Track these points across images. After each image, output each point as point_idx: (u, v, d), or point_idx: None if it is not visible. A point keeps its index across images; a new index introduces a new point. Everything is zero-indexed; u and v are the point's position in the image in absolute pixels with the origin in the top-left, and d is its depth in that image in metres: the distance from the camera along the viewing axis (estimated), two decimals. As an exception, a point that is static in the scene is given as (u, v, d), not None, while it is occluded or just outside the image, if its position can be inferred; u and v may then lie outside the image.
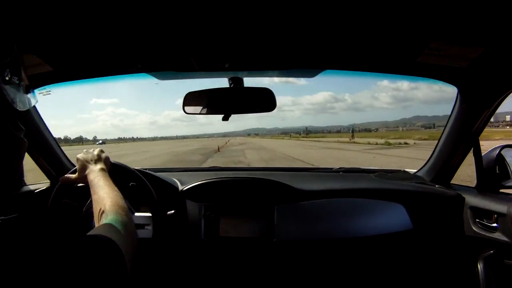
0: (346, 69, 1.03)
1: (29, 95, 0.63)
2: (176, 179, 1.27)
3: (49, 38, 0.81)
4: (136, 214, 1.05)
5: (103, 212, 0.65)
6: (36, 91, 1.10)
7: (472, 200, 1.11)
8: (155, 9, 0.69)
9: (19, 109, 0.56)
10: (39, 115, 1.20)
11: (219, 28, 0.78)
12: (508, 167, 1.15)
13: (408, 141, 29.21)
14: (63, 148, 1.36)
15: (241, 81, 1.06)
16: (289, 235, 1.13)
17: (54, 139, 1.29)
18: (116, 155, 17.61)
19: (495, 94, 0.99)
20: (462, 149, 1.17)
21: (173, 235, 1.13)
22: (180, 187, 1.21)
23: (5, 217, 1.09)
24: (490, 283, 1.04)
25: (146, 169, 1.26)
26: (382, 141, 30.89)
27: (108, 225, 0.58)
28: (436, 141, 1.29)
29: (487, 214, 1.04)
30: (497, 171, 1.11)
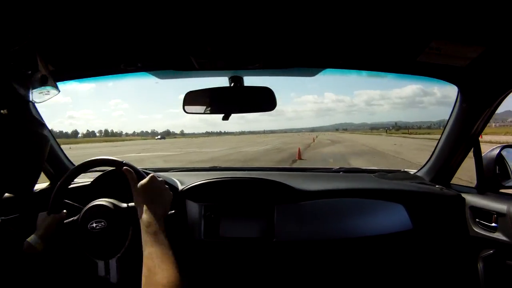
0: (346, 68, 1.03)
1: (47, 86, 0.60)
2: (176, 179, 1.27)
3: (49, 37, 0.81)
4: None
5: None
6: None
7: (472, 200, 1.11)
8: (155, 8, 0.69)
9: (34, 102, 0.53)
10: (38, 113, 1.20)
11: (219, 27, 0.78)
12: (508, 167, 1.15)
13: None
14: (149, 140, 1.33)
15: (241, 80, 1.06)
16: (289, 235, 1.13)
17: (55, 138, 1.29)
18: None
19: (495, 94, 0.99)
20: (462, 149, 1.17)
21: (173, 235, 1.13)
22: (180, 187, 1.21)
23: (5, 217, 1.09)
24: (490, 283, 1.04)
25: (146, 169, 1.26)
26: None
27: None
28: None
29: (487, 214, 1.04)
30: (497, 171, 1.11)
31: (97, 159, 0.98)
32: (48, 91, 0.60)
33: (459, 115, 1.13)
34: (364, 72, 1.04)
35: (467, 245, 1.11)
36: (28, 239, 0.86)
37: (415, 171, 1.42)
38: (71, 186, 1.01)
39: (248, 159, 13.57)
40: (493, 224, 1.01)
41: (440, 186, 1.23)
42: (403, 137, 39.61)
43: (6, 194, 0.64)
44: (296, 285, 1.21)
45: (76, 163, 1.03)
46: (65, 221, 0.94)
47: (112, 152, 20.78)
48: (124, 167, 0.83)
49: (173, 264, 0.64)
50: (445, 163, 1.24)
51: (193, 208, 1.17)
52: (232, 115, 1.08)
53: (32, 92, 0.55)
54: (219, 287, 1.22)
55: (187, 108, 1.07)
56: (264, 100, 1.04)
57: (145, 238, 0.67)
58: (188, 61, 0.96)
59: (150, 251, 0.65)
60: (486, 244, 1.04)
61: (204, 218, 1.16)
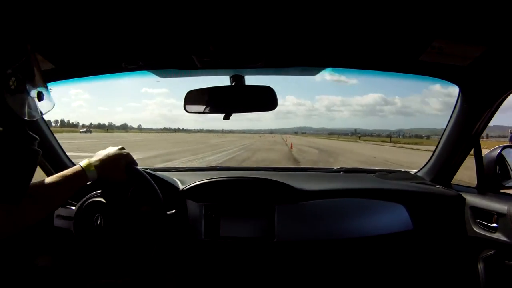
0: (348, 67, 1.03)
1: (42, 101, 0.60)
2: (177, 178, 1.26)
3: (50, 35, 0.81)
4: None
5: None
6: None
7: (473, 200, 1.11)
8: (157, 6, 0.69)
9: (29, 119, 0.54)
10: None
11: (221, 26, 0.78)
12: (509, 167, 1.15)
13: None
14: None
15: (243, 79, 1.06)
16: (289, 235, 1.13)
17: (54, 137, 1.29)
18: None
19: (496, 94, 0.99)
20: (462, 149, 1.17)
21: (173, 235, 1.13)
22: (181, 187, 1.21)
23: None
24: (490, 283, 1.04)
25: (146, 168, 1.25)
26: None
27: None
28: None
29: (488, 214, 1.04)
30: (498, 171, 1.11)
31: None
32: (43, 107, 0.60)
33: (460, 115, 1.13)
34: (365, 72, 1.05)
35: (467, 246, 1.11)
36: (81, 163, 0.88)
37: (416, 171, 1.42)
38: None
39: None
40: (494, 225, 1.01)
41: (441, 186, 1.23)
42: (388, 145, 30.81)
43: None
44: (296, 285, 1.21)
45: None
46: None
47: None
48: None
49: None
50: (445, 163, 1.24)
51: (193, 208, 1.17)
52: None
53: (27, 110, 0.55)
54: (219, 287, 1.21)
55: (188, 107, 1.07)
56: (265, 99, 1.04)
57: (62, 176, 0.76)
58: (190, 59, 0.96)
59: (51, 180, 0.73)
60: (487, 245, 1.04)
61: (204, 218, 1.15)
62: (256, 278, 1.20)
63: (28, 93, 0.56)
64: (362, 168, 1.56)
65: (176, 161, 11.34)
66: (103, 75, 1.10)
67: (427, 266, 1.18)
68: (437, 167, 1.28)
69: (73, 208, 0.96)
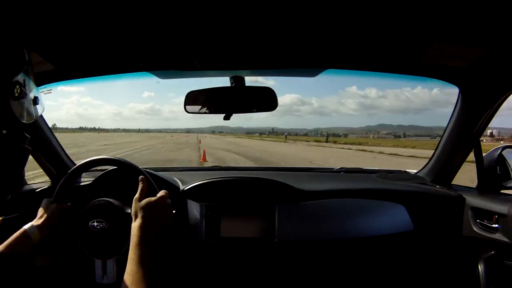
0: (348, 68, 1.03)
1: (36, 105, 0.64)
2: (177, 178, 1.26)
3: (50, 36, 0.81)
4: None
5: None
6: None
7: (473, 200, 1.11)
8: (157, 8, 0.69)
9: (26, 122, 0.57)
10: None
11: (221, 27, 0.78)
12: (509, 168, 1.15)
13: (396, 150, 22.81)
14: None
15: (243, 80, 1.06)
16: (290, 235, 1.13)
17: (55, 137, 1.29)
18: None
19: (496, 94, 0.99)
20: (463, 150, 1.17)
21: (174, 235, 1.13)
22: (181, 187, 1.21)
23: (6, 216, 1.08)
24: (491, 284, 1.04)
25: (147, 168, 1.26)
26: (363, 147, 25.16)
27: None
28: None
29: (488, 215, 1.04)
30: (498, 172, 1.11)
31: (104, 158, 0.99)
32: (37, 110, 0.64)
33: (460, 116, 1.13)
34: (365, 73, 1.05)
35: (468, 246, 1.11)
36: (26, 227, 0.84)
37: (416, 171, 1.42)
38: (73, 186, 1.01)
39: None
40: (494, 225, 1.01)
41: (441, 187, 1.23)
42: (323, 146, 28.05)
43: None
44: (297, 285, 1.21)
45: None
46: (68, 212, 0.95)
47: None
48: (141, 177, 0.81)
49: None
50: (446, 163, 1.24)
51: (194, 208, 1.17)
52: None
53: (25, 113, 0.58)
54: (220, 287, 1.21)
55: (188, 107, 1.07)
56: (265, 100, 1.04)
57: (132, 255, 0.67)
58: (190, 61, 0.96)
59: (133, 269, 0.66)
60: (487, 245, 1.04)
61: (205, 218, 1.16)
62: (257, 278, 1.20)
63: (28, 98, 0.60)
64: (363, 168, 1.56)
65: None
66: (104, 76, 1.10)
67: (427, 267, 1.18)
68: (437, 167, 1.28)
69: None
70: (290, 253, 1.15)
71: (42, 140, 1.23)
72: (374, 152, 20.95)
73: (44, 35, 0.80)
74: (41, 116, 1.21)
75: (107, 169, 1.18)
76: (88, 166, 1.02)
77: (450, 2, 0.64)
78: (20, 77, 0.56)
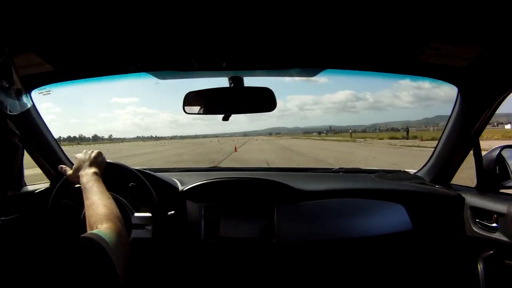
0: (346, 68, 1.03)
1: (20, 98, 0.63)
2: (176, 179, 1.27)
3: (49, 38, 0.81)
4: (136, 214, 1.05)
5: (98, 219, 0.65)
6: (37, 90, 1.10)
7: (472, 200, 1.11)
8: (155, 8, 0.69)
9: (9, 113, 0.57)
10: (39, 114, 1.20)
11: (219, 28, 0.78)
12: (508, 168, 1.15)
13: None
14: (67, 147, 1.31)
15: (241, 80, 1.06)
16: (289, 235, 1.13)
17: (54, 139, 1.29)
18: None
19: (495, 94, 0.99)
20: (462, 149, 1.17)
21: (173, 235, 1.13)
22: (180, 188, 1.21)
23: (6, 217, 1.09)
24: (490, 283, 1.04)
25: (146, 169, 1.26)
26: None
27: (101, 234, 0.57)
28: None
29: (487, 214, 1.04)
30: (497, 172, 1.11)
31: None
32: (22, 103, 0.63)
33: (459, 116, 1.13)
34: (364, 73, 1.05)
35: (467, 245, 1.11)
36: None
37: (415, 171, 1.42)
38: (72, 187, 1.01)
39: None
40: (493, 224, 1.01)
41: (440, 186, 1.23)
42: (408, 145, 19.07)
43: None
44: (296, 285, 1.21)
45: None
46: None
47: None
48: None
49: (109, 199, 0.73)
50: (445, 163, 1.24)
51: (193, 208, 1.17)
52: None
53: (7, 104, 0.58)
54: (219, 287, 1.22)
55: (187, 108, 1.07)
56: (264, 101, 1.04)
57: (86, 192, 0.77)
58: (189, 61, 0.96)
59: (89, 197, 0.74)
60: (486, 244, 1.04)
61: (204, 218, 1.16)
62: (256, 278, 1.20)
63: (7, 90, 0.59)
64: (362, 168, 1.55)
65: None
66: (103, 77, 1.10)
67: (426, 266, 1.18)
68: (436, 167, 1.28)
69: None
70: (289, 253, 1.16)
71: (41, 142, 1.23)
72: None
73: (43, 36, 0.80)
74: (40, 117, 1.21)
75: None
76: None
77: (449, 1, 0.64)
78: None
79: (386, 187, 1.24)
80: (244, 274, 1.20)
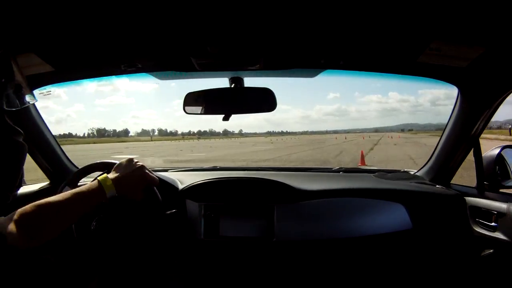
0: (346, 69, 1.03)
1: (20, 94, 0.61)
2: (176, 178, 1.27)
3: (49, 38, 0.81)
4: None
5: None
6: (37, 90, 1.10)
7: (472, 199, 1.11)
8: (156, 9, 0.69)
9: (7, 109, 0.55)
10: (38, 114, 1.20)
11: (220, 28, 0.79)
12: (508, 167, 1.15)
13: None
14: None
15: (242, 81, 1.06)
16: (288, 235, 1.13)
17: (55, 138, 1.29)
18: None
19: (495, 94, 0.99)
20: (462, 149, 1.17)
21: (173, 234, 1.13)
22: (180, 187, 1.21)
23: (6, 217, 1.09)
24: (490, 282, 1.04)
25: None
26: None
27: None
28: None
29: (487, 214, 1.04)
30: (497, 171, 1.11)
31: (104, 162, 0.99)
32: (21, 100, 0.61)
33: (459, 116, 1.13)
34: (364, 73, 1.05)
35: (467, 245, 1.11)
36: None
37: (415, 171, 1.42)
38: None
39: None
40: (493, 224, 1.01)
41: (440, 186, 1.23)
42: None
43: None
44: (295, 285, 1.21)
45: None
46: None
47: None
48: None
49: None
50: (445, 163, 1.24)
51: (193, 207, 1.18)
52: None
53: (5, 101, 0.56)
54: (219, 287, 1.22)
55: (188, 108, 1.07)
56: (264, 101, 1.04)
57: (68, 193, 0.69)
58: (189, 62, 0.96)
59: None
60: (486, 244, 1.04)
61: (204, 217, 1.16)
62: (256, 278, 1.20)
63: (5, 84, 0.57)
64: (362, 168, 1.56)
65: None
66: (103, 77, 1.10)
67: (426, 265, 1.18)
68: (436, 167, 1.28)
69: None
70: (288, 252, 1.16)
71: (41, 141, 1.23)
72: None
73: (43, 36, 0.80)
74: (41, 117, 1.21)
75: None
76: (88, 171, 1.02)
77: (449, 2, 0.65)
78: None
79: (386, 186, 1.25)
80: (243, 273, 1.20)
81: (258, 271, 1.20)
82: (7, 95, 0.57)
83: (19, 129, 0.56)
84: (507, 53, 0.83)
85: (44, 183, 1.32)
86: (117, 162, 0.98)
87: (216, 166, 1.65)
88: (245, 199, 1.18)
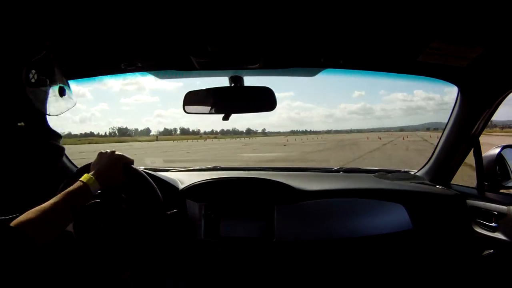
0: (347, 68, 1.03)
1: (64, 98, 0.60)
2: (177, 178, 1.27)
3: (49, 37, 0.81)
4: None
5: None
6: None
7: (472, 200, 1.11)
8: (155, 8, 0.69)
9: (51, 115, 0.54)
10: None
11: (219, 27, 0.79)
12: (509, 167, 1.15)
13: None
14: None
15: (242, 80, 1.06)
16: (289, 235, 1.13)
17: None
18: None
19: (495, 94, 0.99)
20: (462, 149, 1.17)
21: (173, 234, 1.13)
22: (181, 187, 1.21)
23: (5, 217, 1.09)
24: (491, 283, 1.04)
25: (146, 168, 1.26)
26: None
27: None
28: None
29: (487, 214, 1.04)
30: (498, 171, 1.11)
31: None
32: (65, 104, 0.60)
33: (459, 115, 1.13)
34: (364, 72, 1.05)
35: (467, 245, 1.11)
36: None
37: (415, 171, 1.42)
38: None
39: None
40: (493, 224, 1.01)
41: (441, 186, 1.23)
42: None
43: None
44: (296, 285, 1.21)
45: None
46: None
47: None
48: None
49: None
50: (445, 163, 1.24)
51: (193, 207, 1.17)
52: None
53: (48, 105, 0.55)
54: (219, 287, 1.22)
55: (187, 108, 1.07)
56: (264, 100, 1.04)
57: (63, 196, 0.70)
58: (188, 61, 0.96)
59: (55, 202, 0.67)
60: (486, 244, 1.04)
61: (204, 217, 1.16)
62: (256, 278, 1.20)
63: (49, 88, 0.56)
64: (362, 168, 1.55)
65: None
66: (102, 76, 1.10)
67: (427, 266, 1.18)
68: (436, 167, 1.28)
69: None
70: (289, 253, 1.16)
71: None
72: None
73: (43, 36, 0.80)
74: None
75: None
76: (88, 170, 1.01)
77: (449, 1, 0.65)
78: (36, 62, 0.52)
79: (386, 187, 1.24)
80: (244, 274, 1.20)
81: (258, 271, 1.20)
82: (50, 99, 0.57)
83: (57, 131, 0.55)
84: (507, 52, 0.83)
85: None
86: None
87: (217, 166, 1.65)
88: (245, 199, 1.17)
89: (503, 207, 0.98)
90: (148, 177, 1.05)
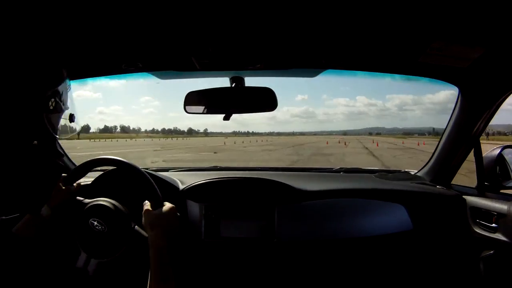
0: (347, 68, 1.03)
1: (72, 122, 0.66)
2: (177, 178, 1.26)
3: (49, 38, 0.81)
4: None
5: None
6: None
7: (473, 200, 1.11)
8: (156, 8, 0.69)
9: (61, 138, 0.60)
10: None
11: (220, 28, 0.78)
12: (509, 168, 1.15)
13: None
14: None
15: (242, 80, 1.06)
16: (289, 235, 1.13)
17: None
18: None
19: (496, 95, 0.99)
20: (463, 150, 1.17)
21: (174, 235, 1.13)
22: (181, 187, 1.21)
23: (6, 217, 1.08)
24: (491, 283, 1.04)
25: (147, 168, 1.26)
26: None
27: None
28: None
29: (488, 215, 1.04)
30: (498, 172, 1.11)
31: (104, 158, 0.98)
32: (72, 129, 0.66)
33: (460, 116, 1.13)
34: (365, 73, 1.05)
35: (467, 246, 1.11)
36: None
37: (416, 171, 1.42)
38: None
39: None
40: (494, 225, 1.01)
41: (441, 187, 1.23)
42: None
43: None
44: (296, 285, 1.21)
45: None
46: (76, 197, 0.94)
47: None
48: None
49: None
50: (445, 163, 1.24)
51: (193, 208, 1.17)
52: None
53: (59, 129, 0.61)
54: (219, 287, 1.22)
55: (188, 108, 1.07)
56: (265, 101, 1.04)
57: (162, 269, 0.72)
58: (190, 61, 0.96)
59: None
60: (487, 245, 1.04)
61: (204, 218, 1.16)
62: (257, 279, 1.20)
63: (62, 114, 0.63)
64: (362, 168, 1.56)
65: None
66: (103, 76, 1.10)
67: (427, 266, 1.18)
68: (437, 167, 1.28)
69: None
70: (289, 253, 1.16)
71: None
72: None
73: (43, 36, 0.80)
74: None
75: (107, 169, 1.18)
76: (89, 166, 1.01)
77: (450, 2, 0.65)
78: (55, 92, 0.58)
79: (386, 187, 1.24)
80: (244, 274, 1.20)
81: (259, 272, 1.20)
82: (60, 122, 0.63)
83: (61, 150, 0.60)
84: (508, 53, 0.83)
85: None
86: (113, 157, 0.98)
87: (217, 166, 1.64)
88: (245, 200, 1.17)
89: (504, 208, 0.98)
90: (149, 177, 1.05)
